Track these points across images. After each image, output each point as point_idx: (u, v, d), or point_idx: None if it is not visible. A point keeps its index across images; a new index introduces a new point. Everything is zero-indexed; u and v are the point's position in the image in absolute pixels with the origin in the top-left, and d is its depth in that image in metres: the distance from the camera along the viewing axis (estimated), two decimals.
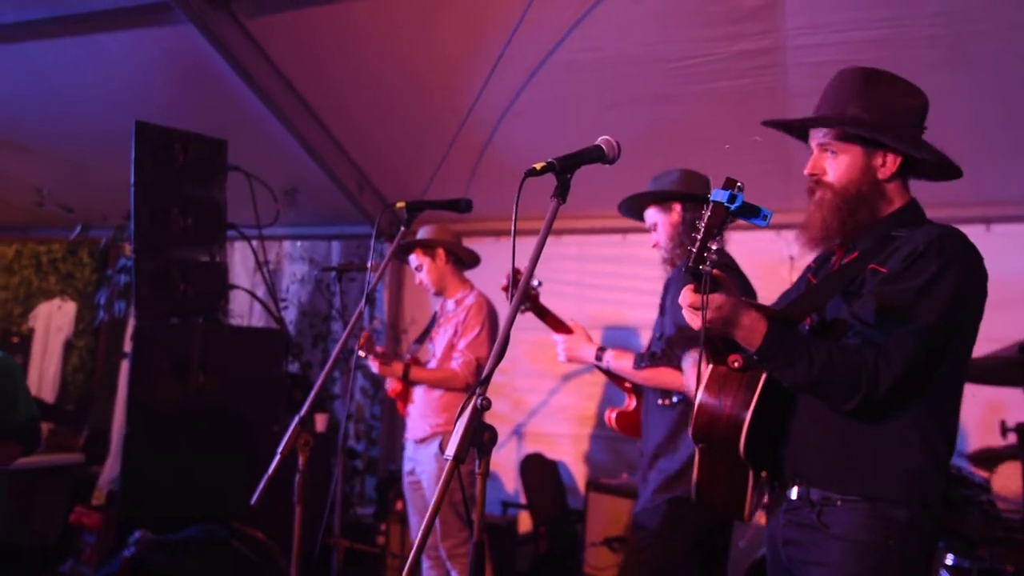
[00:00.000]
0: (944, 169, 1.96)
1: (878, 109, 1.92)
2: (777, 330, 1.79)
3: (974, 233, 1.90)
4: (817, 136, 1.99)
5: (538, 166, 1.64)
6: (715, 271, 1.72)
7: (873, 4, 3.47)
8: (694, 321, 1.79)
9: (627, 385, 3.20)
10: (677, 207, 3.00)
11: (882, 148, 1.92)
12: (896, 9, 3.43)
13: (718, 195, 1.67)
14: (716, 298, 1.75)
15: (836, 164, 1.95)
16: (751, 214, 1.67)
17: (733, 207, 1.66)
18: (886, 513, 1.79)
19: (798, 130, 2.07)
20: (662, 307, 3.04)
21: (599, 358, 3.01)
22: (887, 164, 1.93)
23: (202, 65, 4.50)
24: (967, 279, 1.81)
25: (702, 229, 1.67)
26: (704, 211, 1.69)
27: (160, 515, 3.60)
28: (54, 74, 4.95)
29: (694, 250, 1.68)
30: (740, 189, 1.66)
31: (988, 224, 4.22)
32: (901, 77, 1.96)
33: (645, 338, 4.79)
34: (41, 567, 4.67)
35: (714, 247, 1.67)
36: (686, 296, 1.77)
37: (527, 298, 3.16)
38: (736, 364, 1.91)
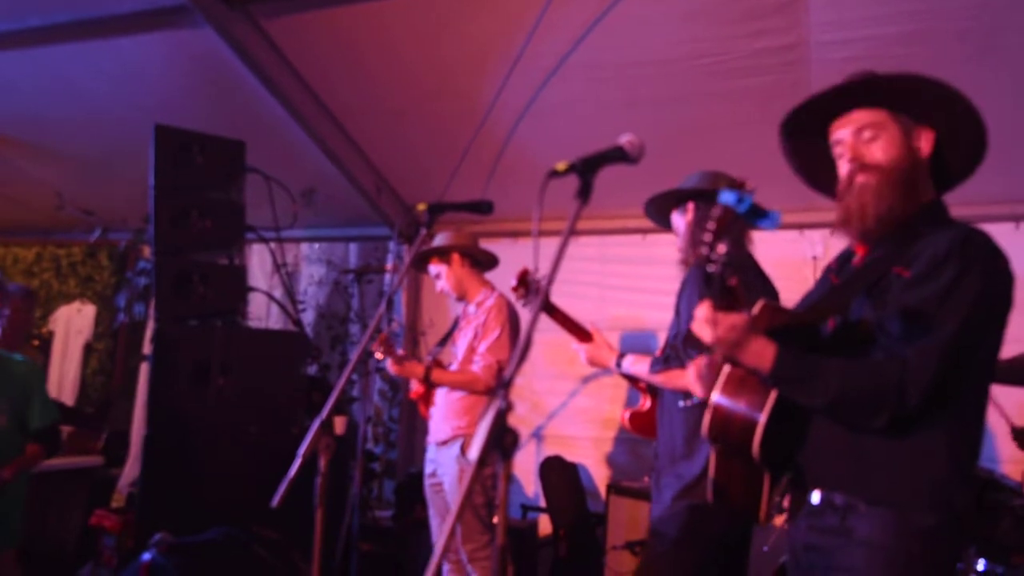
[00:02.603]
0: (965, 160, 1.92)
1: None
2: (786, 358, 1.76)
3: (1003, 231, 1.85)
4: (847, 130, 1.93)
5: (560, 167, 1.61)
6: (732, 280, 1.68)
7: None
8: (703, 334, 1.78)
9: (641, 385, 3.17)
10: (691, 206, 2.94)
11: (915, 125, 1.88)
12: (924, 2, 3.36)
13: (726, 197, 1.64)
14: (731, 318, 1.73)
15: (880, 145, 1.88)
16: (760, 216, 1.64)
17: (741, 208, 1.63)
18: (911, 519, 1.75)
19: (811, 150, 2.02)
20: (677, 308, 3.00)
21: (618, 364, 3.01)
22: (923, 143, 1.89)
23: (220, 67, 4.50)
24: (989, 282, 1.76)
25: (710, 232, 1.64)
26: (712, 211, 1.66)
27: (180, 518, 3.59)
28: (74, 77, 4.98)
29: (703, 252, 1.65)
30: (749, 191, 1.62)
31: (1017, 222, 4.13)
32: None
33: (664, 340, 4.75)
34: (60, 570, 4.68)
35: (723, 249, 1.64)
36: (703, 310, 1.76)
37: (537, 295, 3.14)
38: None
